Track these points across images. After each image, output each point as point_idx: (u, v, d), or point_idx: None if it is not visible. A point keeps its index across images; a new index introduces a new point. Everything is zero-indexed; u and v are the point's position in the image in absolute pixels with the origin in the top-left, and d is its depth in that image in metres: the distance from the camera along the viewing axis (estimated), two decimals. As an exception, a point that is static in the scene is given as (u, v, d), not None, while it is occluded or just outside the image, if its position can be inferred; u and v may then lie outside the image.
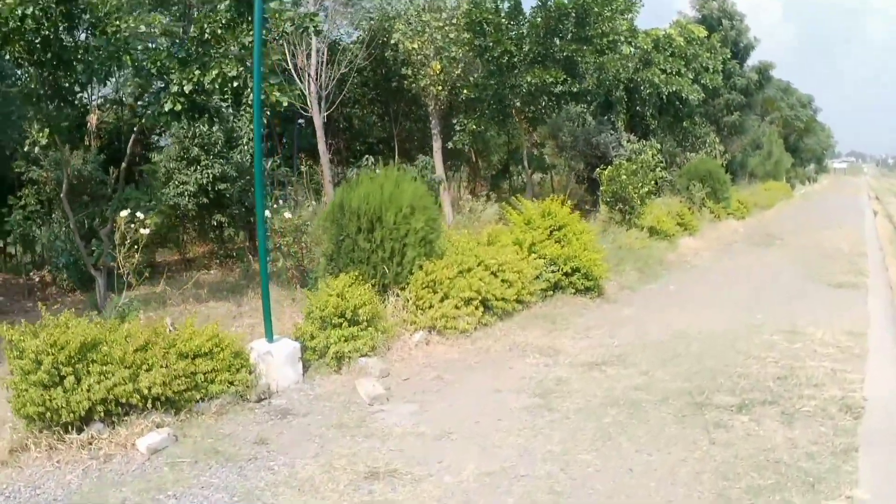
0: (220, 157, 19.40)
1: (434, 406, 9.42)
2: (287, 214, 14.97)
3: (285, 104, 18.95)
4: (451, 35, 25.70)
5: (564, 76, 25.41)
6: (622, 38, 29.16)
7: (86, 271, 16.01)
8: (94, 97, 21.31)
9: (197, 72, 18.14)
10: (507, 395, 9.68)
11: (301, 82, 23.80)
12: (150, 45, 18.46)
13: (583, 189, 33.06)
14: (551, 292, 15.49)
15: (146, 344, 8.62)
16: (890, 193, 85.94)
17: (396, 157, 30.73)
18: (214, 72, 18.01)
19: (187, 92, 18.15)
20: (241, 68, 17.10)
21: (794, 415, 8.58)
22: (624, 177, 22.36)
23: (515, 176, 38.38)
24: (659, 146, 30.66)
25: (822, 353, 11.23)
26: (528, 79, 25.03)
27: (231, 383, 9.28)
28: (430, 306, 12.40)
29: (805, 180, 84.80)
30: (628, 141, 29.88)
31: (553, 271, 15.55)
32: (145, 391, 8.15)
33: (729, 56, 41.56)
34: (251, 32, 19.55)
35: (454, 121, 28.67)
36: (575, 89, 28.86)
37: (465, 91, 27.08)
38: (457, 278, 12.84)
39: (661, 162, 31.64)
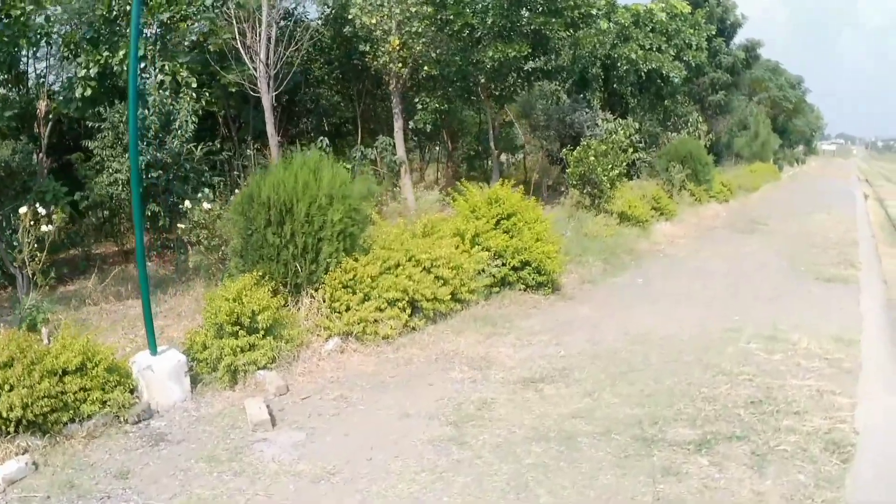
0: (155, 144, 17.67)
1: (325, 435, 7.72)
2: (206, 205, 13.18)
3: (194, 85, 17.31)
4: (413, 9, 23.74)
5: (529, 50, 23.55)
6: (599, 12, 27.45)
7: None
8: (51, 83, 19.83)
9: (105, 53, 16.52)
10: (416, 423, 7.93)
11: (252, 62, 22.02)
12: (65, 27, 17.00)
13: (557, 171, 31.31)
14: (497, 289, 13.73)
15: (10, 360, 7.47)
16: (880, 177, 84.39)
17: (360, 137, 28.86)
18: (122, 52, 16.40)
19: (93, 75, 16.56)
20: (151, 47, 15.64)
21: (767, 456, 6.80)
22: (592, 158, 20.58)
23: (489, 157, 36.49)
24: (637, 125, 28.84)
25: (806, 368, 9.46)
26: (490, 53, 23.17)
27: (104, 403, 7.87)
28: (348, 309, 10.66)
29: (793, 162, 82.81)
30: (604, 120, 28.05)
31: (499, 266, 13.82)
32: (5, 414, 7.13)
33: (714, 33, 39.69)
34: (171, 8, 17.87)
35: (416, 99, 26.80)
36: (548, 66, 27.32)
37: (425, 68, 25.19)
38: (381, 276, 11.11)
39: (640, 142, 30.10)
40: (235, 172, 21.22)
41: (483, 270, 13.41)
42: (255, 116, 25.19)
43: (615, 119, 28.27)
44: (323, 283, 10.86)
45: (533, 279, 13.97)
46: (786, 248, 20.52)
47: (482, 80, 25.49)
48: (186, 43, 20.37)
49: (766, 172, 47.58)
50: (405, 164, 24.57)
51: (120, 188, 16.90)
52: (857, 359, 9.87)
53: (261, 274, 10.22)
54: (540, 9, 23.93)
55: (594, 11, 26.26)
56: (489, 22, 23.70)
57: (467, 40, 24.31)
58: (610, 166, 20.70)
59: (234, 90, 21.57)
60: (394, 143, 25.00)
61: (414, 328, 11.27)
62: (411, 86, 27.01)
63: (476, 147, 35.67)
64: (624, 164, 21.39)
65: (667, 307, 13.40)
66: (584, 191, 21.15)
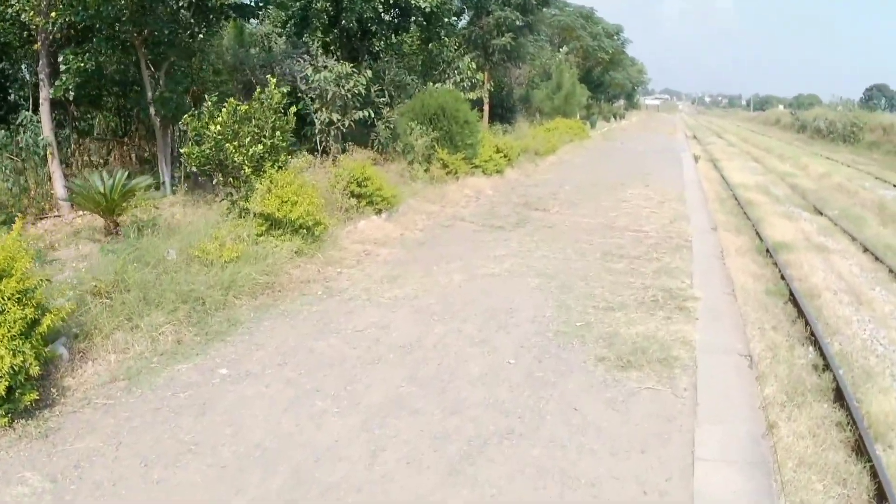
0: None
1: None
2: None
3: None
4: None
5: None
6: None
7: None
8: None
9: None
10: None
11: None
12: None
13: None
14: None
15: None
16: (709, 132, 78.81)
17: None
18: None
19: None
20: None
21: None
22: (216, 128, 11.87)
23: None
24: (369, 73, 20.17)
25: None
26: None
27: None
28: None
29: (611, 117, 75.62)
30: (317, 68, 19.35)
31: None
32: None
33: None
34: None
35: (60, 58, 17.37)
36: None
37: (52, 14, 15.65)
38: None
39: (381, 94, 21.61)
40: None
41: None
42: None
43: (341, 66, 19.60)
44: None
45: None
46: (562, 263, 12.32)
47: (123, 21, 16.33)
48: None
49: (568, 130, 38.82)
50: (51, 147, 15.14)
51: None
52: None
53: None
54: None
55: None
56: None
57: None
58: (248, 139, 11.99)
59: None
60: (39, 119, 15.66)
61: None
62: (65, 41, 17.62)
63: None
64: (277, 133, 12.58)
65: (205, 475, 5.62)
66: (217, 181, 12.53)
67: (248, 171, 12.04)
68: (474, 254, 12.92)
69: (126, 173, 12.48)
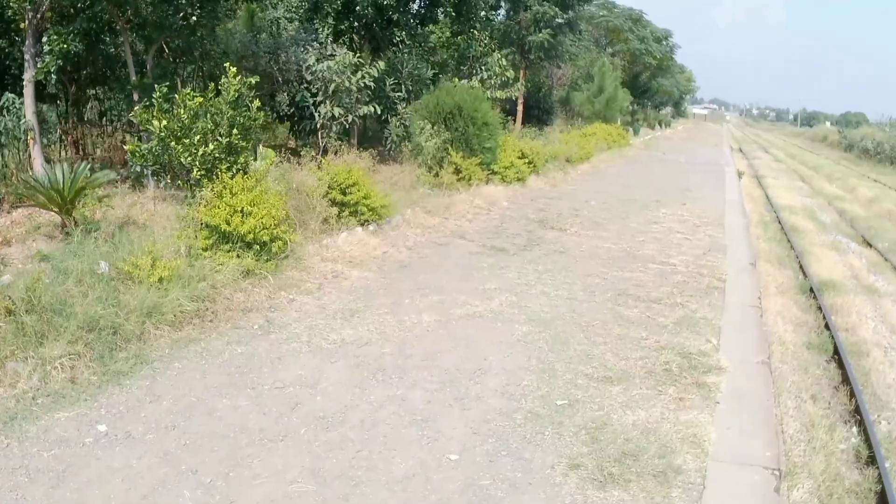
0: None
1: None
2: None
3: None
4: None
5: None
6: None
7: None
8: None
9: None
10: None
11: None
12: None
13: (288, 130, 20.91)
14: None
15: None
16: (756, 146, 76.11)
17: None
18: None
19: None
20: None
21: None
22: (160, 124, 10.15)
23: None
24: (383, 65, 18.42)
25: None
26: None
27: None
28: None
29: (656, 124, 72.93)
30: (321, 57, 17.63)
31: None
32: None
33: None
34: None
35: (45, 40, 15.83)
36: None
37: None
38: None
39: (397, 88, 19.93)
40: None
41: None
42: None
43: (346, 55, 17.83)
44: None
45: None
46: (563, 304, 10.33)
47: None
48: None
49: (607, 137, 36.29)
50: (33, 132, 13.63)
51: None
52: None
53: None
54: None
55: None
56: None
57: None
58: (199, 138, 10.25)
59: None
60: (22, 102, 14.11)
61: None
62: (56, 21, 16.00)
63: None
64: (240, 131, 10.79)
65: None
66: (162, 185, 10.86)
67: (196, 173, 10.26)
68: (461, 284, 10.96)
69: (88, 166, 10.88)
